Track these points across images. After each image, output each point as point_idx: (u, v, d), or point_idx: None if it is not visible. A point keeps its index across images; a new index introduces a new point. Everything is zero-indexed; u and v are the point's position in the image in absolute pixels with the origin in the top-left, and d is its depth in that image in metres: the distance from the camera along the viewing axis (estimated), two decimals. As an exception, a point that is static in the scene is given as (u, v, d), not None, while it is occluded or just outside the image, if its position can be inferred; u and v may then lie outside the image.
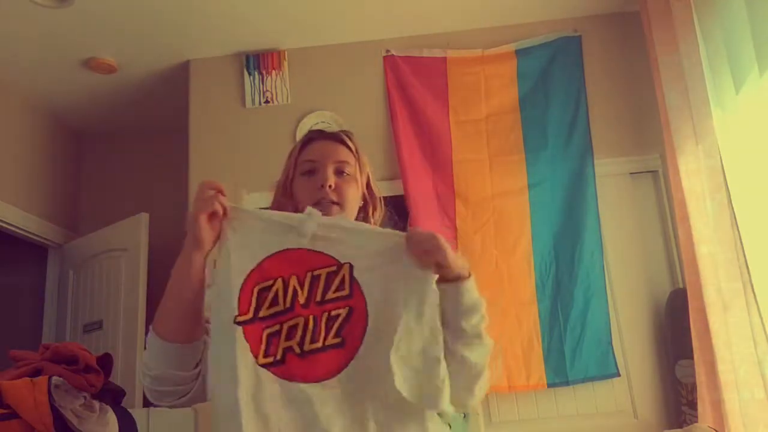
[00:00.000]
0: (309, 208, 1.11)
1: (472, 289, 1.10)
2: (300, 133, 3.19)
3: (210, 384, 1.05)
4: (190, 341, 1.08)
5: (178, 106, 3.42)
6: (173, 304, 1.08)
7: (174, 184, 3.59)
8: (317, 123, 3.22)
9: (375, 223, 1.30)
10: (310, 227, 1.07)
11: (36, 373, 1.95)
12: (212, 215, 1.06)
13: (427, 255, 1.06)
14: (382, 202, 1.35)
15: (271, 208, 1.29)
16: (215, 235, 1.07)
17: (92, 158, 4.14)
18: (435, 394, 1.02)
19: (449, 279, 1.08)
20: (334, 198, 1.23)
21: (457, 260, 1.08)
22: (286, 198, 1.28)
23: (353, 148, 1.29)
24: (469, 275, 1.10)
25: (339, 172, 1.25)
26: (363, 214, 1.31)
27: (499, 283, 2.96)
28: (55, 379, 1.85)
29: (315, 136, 1.31)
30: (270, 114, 3.27)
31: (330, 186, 1.23)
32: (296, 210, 1.21)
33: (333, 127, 3.17)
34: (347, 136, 1.31)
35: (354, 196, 1.26)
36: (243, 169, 3.19)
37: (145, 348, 1.10)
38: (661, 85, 2.81)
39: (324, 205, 1.20)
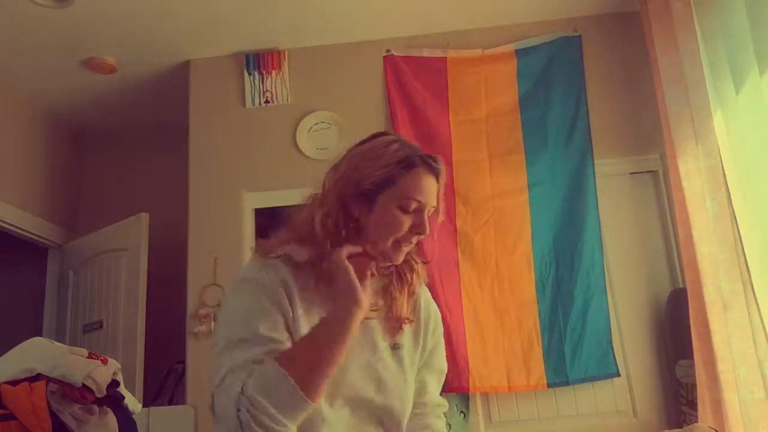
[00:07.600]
0: None
1: None
2: (300, 133, 3.19)
3: None
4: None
5: (178, 106, 3.42)
6: (329, 368, 1.01)
7: (174, 184, 3.59)
8: (317, 123, 3.22)
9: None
10: None
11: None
12: None
13: None
14: None
15: (303, 218, 1.16)
16: None
17: (92, 158, 4.14)
18: None
19: None
20: (413, 250, 1.16)
21: None
22: (340, 209, 1.12)
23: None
24: None
25: None
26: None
27: (499, 283, 2.96)
28: (51, 384, 1.84)
29: (420, 164, 1.12)
30: (270, 114, 3.26)
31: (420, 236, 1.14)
32: (339, 228, 1.12)
33: (332, 128, 3.19)
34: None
35: None
36: (243, 169, 3.19)
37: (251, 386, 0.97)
38: (661, 85, 2.81)
39: (401, 251, 1.13)
